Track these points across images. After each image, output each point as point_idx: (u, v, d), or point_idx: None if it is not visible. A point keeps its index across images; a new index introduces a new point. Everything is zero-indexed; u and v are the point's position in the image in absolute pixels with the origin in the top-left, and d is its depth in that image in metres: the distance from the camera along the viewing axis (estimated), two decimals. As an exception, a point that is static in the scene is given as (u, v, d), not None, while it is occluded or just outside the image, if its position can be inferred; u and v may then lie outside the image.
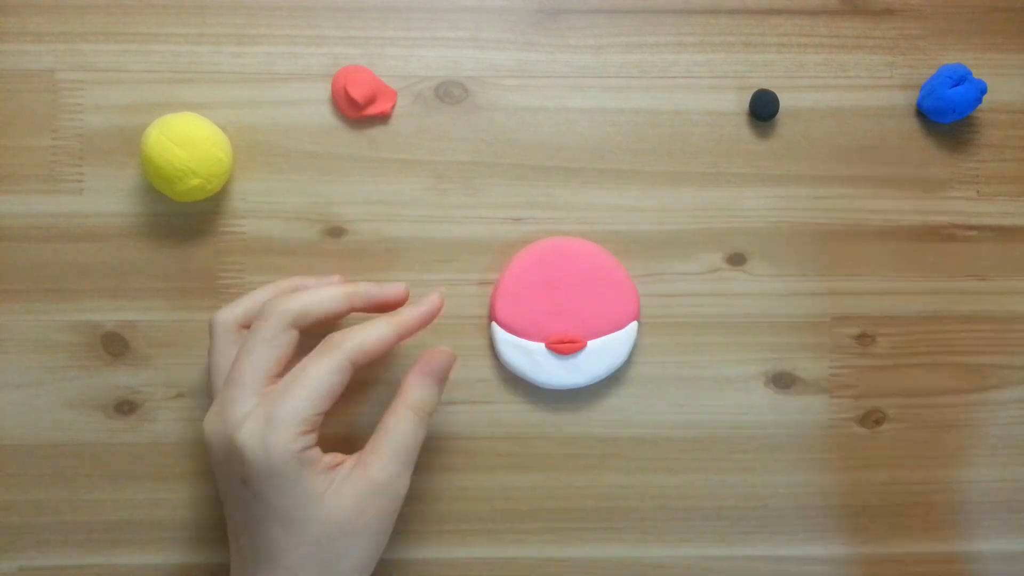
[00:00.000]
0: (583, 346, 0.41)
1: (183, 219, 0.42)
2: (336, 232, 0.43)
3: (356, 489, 0.35)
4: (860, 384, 0.44)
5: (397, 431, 0.36)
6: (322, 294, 0.37)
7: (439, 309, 0.38)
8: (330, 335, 0.36)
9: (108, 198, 0.42)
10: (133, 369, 0.42)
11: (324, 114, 0.43)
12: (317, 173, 0.43)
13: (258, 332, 0.36)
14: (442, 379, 0.38)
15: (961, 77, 0.42)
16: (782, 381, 0.44)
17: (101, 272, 0.42)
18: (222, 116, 0.42)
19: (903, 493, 0.44)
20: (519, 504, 0.43)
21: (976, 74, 0.43)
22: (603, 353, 0.42)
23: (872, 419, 0.44)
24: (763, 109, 0.43)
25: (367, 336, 0.36)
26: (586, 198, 0.43)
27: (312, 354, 0.36)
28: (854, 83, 0.44)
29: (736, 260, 0.43)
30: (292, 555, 0.35)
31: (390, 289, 0.38)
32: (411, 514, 0.43)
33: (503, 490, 0.43)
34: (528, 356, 0.41)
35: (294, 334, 0.36)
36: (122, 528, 0.42)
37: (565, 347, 0.41)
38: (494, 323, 0.42)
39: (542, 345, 0.41)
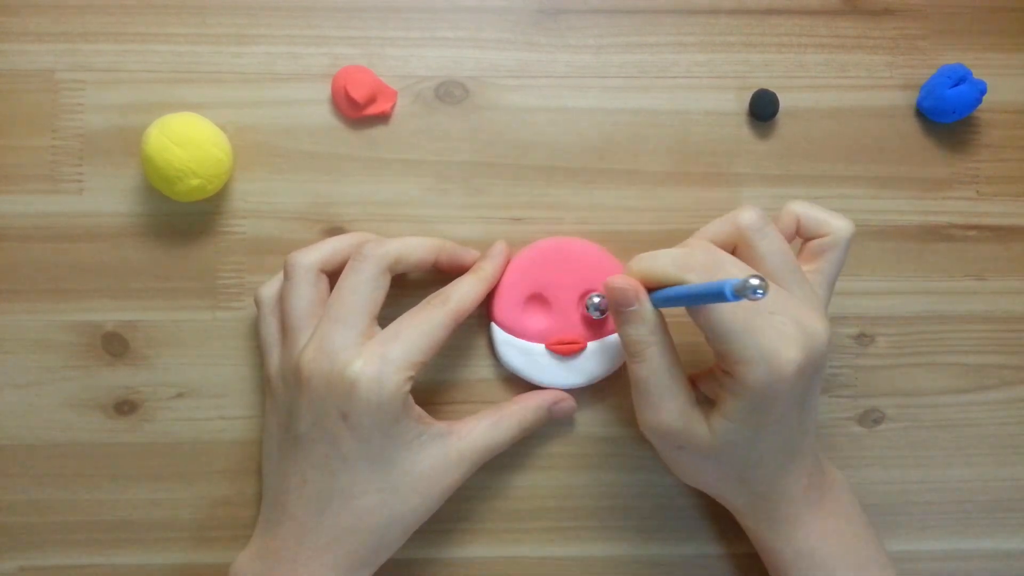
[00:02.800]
0: (583, 347, 0.41)
1: (183, 219, 0.42)
2: (336, 232, 0.43)
3: (444, 452, 0.37)
4: (859, 384, 0.44)
5: (497, 433, 0.39)
6: (416, 242, 0.39)
7: (508, 256, 0.41)
8: (436, 293, 0.38)
9: (108, 198, 0.42)
10: (133, 369, 0.42)
11: (324, 114, 0.43)
12: (317, 173, 0.43)
13: (360, 272, 0.37)
14: (547, 416, 0.41)
15: (961, 77, 0.42)
16: (782, 381, 0.44)
17: (101, 272, 0.42)
18: (222, 116, 0.42)
19: (902, 492, 0.44)
20: (519, 504, 0.43)
21: (976, 74, 0.43)
22: (603, 354, 0.42)
23: (871, 419, 0.44)
24: (763, 109, 0.43)
25: (467, 293, 0.38)
26: (586, 198, 0.43)
27: (420, 307, 0.38)
28: (854, 83, 0.44)
29: (736, 260, 0.43)
30: (369, 498, 0.36)
31: (467, 252, 0.41)
32: (411, 514, 0.43)
33: (503, 490, 0.43)
34: (528, 357, 0.41)
35: (389, 278, 0.38)
36: (122, 528, 0.42)
37: (565, 348, 0.41)
38: (493, 323, 0.42)
39: (542, 346, 0.41)
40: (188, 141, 0.39)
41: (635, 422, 0.43)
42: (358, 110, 0.42)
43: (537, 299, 0.42)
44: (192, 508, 0.42)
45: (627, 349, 0.36)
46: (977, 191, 0.44)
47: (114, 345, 0.42)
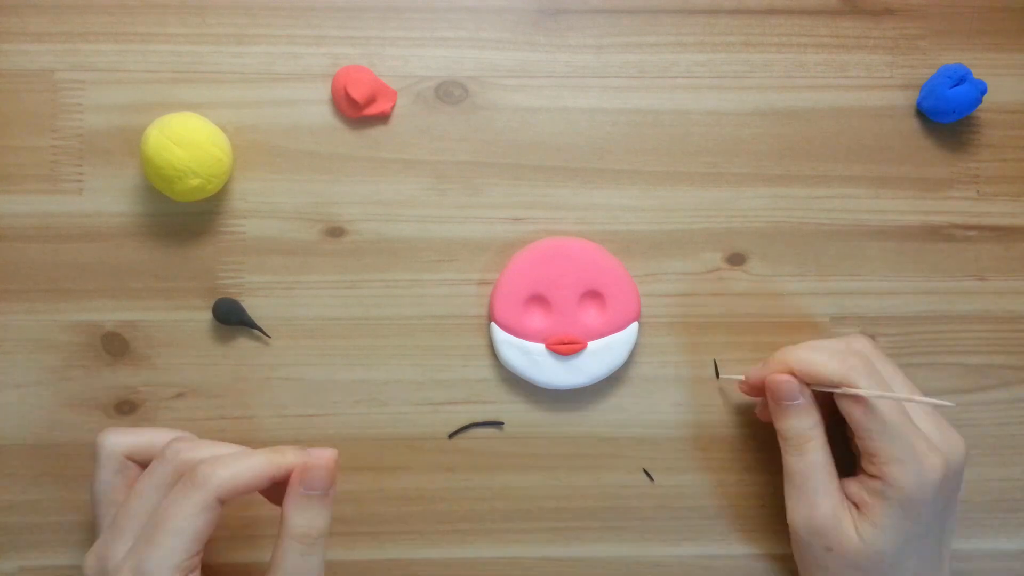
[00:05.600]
0: (583, 347, 0.41)
1: (183, 219, 0.42)
2: (336, 232, 0.43)
3: None
4: (860, 384, 0.44)
5: (286, 568, 0.33)
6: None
7: (332, 466, 0.35)
8: (195, 466, 0.33)
9: (108, 198, 0.42)
10: (133, 369, 0.42)
11: (324, 114, 0.43)
12: (317, 173, 0.43)
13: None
14: (325, 494, 0.34)
15: (961, 77, 0.42)
16: (782, 381, 0.44)
17: (101, 272, 0.42)
18: (222, 116, 0.42)
19: (903, 493, 0.44)
20: (519, 504, 0.43)
21: (976, 74, 0.43)
22: (603, 353, 0.42)
23: (872, 419, 0.44)
24: (225, 315, 0.42)
25: (239, 470, 0.33)
26: (586, 198, 0.43)
27: (176, 489, 0.33)
28: (854, 83, 0.44)
29: (736, 260, 0.43)
30: None
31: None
32: (411, 514, 0.43)
33: (503, 490, 0.43)
34: (528, 356, 0.41)
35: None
36: (122, 528, 0.42)
37: (565, 348, 0.41)
38: (493, 323, 0.42)
39: (542, 346, 0.41)
40: (188, 141, 0.39)
41: (635, 422, 0.43)
42: (358, 110, 0.42)
43: (537, 299, 0.42)
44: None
45: (787, 442, 0.38)
46: (977, 191, 0.44)
47: (114, 345, 0.42)
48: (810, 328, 0.44)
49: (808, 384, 0.38)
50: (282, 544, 0.34)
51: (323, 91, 0.43)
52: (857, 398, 0.36)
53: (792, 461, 0.38)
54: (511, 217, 0.43)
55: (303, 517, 0.34)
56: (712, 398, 0.43)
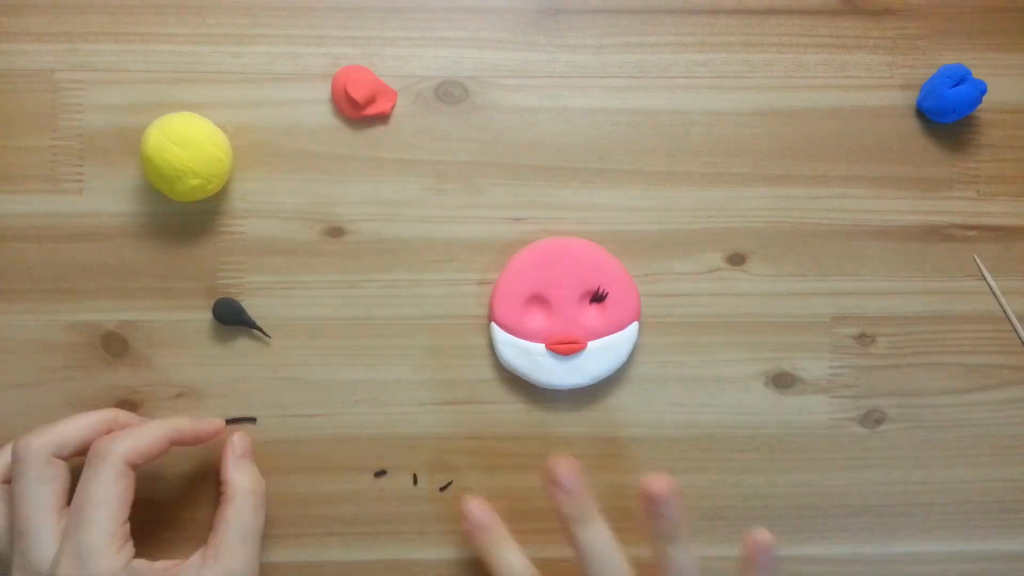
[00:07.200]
0: (583, 347, 0.41)
1: (183, 219, 0.42)
2: (336, 232, 0.43)
3: None
4: (860, 384, 0.44)
5: (241, 520, 0.37)
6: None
7: (216, 432, 0.40)
8: (96, 443, 0.36)
9: (108, 198, 0.42)
10: (133, 369, 0.42)
11: (324, 114, 0.43)
12: (317, 173, 0.43)
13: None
14: (253, 458, 0.40)
15: (961, 77, 0.42)
16: (782, 381, 0.44)
17: (101, 272, 0.42)
18: (222, 116, 0.42)
19: (903, 493, 0.44)
20: (519, 504, 0.43)
21: (976, 74, 0.43)
22: (603, 353, 0.42)
23: (872, 419, 0.44)
24: (225, 315, 0.42)
25: (140, 439, 0.36)
26: (586, 198, 0.43)
27: (86, 470, 0.36)
28: (854, 83, 0.44)
29: (736, 260, 0.43)
30: None
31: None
32: (411, 514, 0.43)
33: (503, 490, 0.43)
34: (528, 356, 0.41)
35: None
36: (122, 528, 0.42)
37: (565, 348, 0.41)
38: (494, 323, 0.42)
39: (542, 346, 0.41)
40: (188, 141, 0.39)
41: (635, 422, 0.43)
42: (358, 110, 0.42)
43: (537, 299, 0.42)
44: (192, 508, 0.42)
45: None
46: (977, 191, 0.44)
47: (114, 345, 0.42)
48: (810, 328, 0.44)
49: None
50: (238, 500, 0.38)
51: (323, 91, 0.43)
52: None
53: None
54: (511, 217, 0.43)
55: (250, 477, 0.39)
56: (712, 398, 0.43)
